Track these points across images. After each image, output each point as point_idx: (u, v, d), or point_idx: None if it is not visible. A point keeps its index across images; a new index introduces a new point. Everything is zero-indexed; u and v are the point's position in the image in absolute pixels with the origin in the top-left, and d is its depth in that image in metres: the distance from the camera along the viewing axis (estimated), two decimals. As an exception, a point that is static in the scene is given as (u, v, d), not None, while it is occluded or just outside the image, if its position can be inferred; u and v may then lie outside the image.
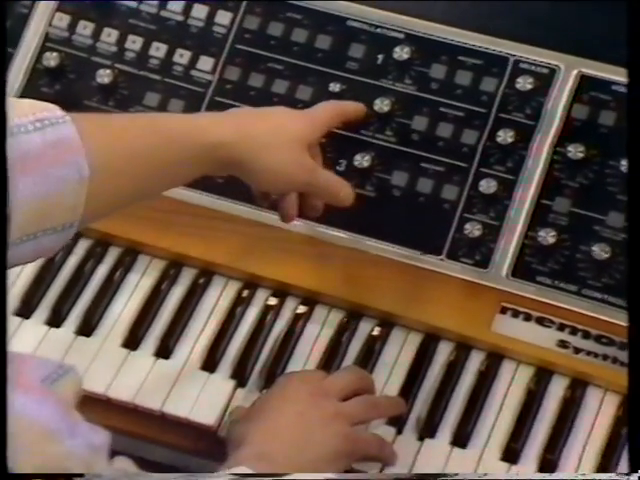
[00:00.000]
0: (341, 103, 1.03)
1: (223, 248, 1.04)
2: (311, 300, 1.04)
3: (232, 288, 1.05)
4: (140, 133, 0.84)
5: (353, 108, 1.03)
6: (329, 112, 0.99)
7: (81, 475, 0.63)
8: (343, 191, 0.97)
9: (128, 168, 0.82)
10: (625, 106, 0.98)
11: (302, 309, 1.04)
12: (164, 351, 1.02)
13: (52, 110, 0.77)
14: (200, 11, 1.11)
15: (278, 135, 0.92)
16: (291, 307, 1.04)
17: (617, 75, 1.02)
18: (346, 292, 1.02)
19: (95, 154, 0.77)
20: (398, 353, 1.01)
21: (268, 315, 1.04)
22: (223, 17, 1.10)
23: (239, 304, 1.04)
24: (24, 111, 0.75)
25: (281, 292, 1.04)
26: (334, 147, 1.05)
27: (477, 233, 1.02)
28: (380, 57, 1.07)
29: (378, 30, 1.08)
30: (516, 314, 1.00)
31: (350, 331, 1.02)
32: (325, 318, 1.03)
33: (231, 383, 1.00)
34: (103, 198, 0.80)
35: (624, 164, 1.00)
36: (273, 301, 1.04)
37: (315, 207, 0.99)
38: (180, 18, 1.11)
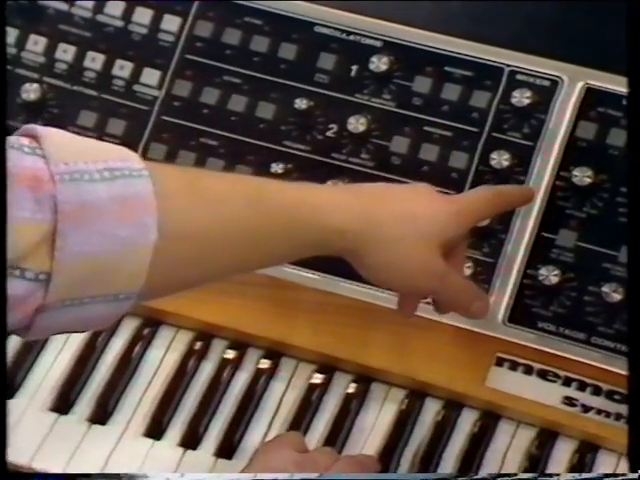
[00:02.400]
0: (504, 189, 0.93)
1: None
2: (276, 353, 1.01)
3: (182, 339, 1.02)
4: (240, 199, 0.76)
5: (519, 194, 0.94)
6: (486, 201, 0.90)
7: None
8: (475, 305, 0.90)
9: (214, 238, 0.75)
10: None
11: (265, 363, 1.01)
12: (100, 415, 0.99)
13: (129, 160, 0.71)
14: (143, 15, 1.06)
15: (409, 227, 0.84)
16: (252, 361, 1.01)
17: (628, 88, 0.99)
18: (316, 343, 0.99)
19: (172, 217, 0.71)
20: (377, 413, 0.98)
21: (225, 371, 1.01)
22: (170, 22, 1.06)
23: (190, 358, 1.01)
24: (96, 156, 0.69)
25: (240, 343, 1.02)
26: (303, 173, 1.01)
27: (468, 272, 0.97)
28: (354, 68, 1.03)
29: (351, 37, 1.04)
30: (514, 366, 0.97)
31: (321, 389, 0.99)
32: (292, 374, 1.00)
33: (179, 452, 0.97)
34: (174, 270, 0.73)
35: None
36: (231, 354, 1.01)
37: (442, 310, 0.92)
38: (120, 24, 1.07)
